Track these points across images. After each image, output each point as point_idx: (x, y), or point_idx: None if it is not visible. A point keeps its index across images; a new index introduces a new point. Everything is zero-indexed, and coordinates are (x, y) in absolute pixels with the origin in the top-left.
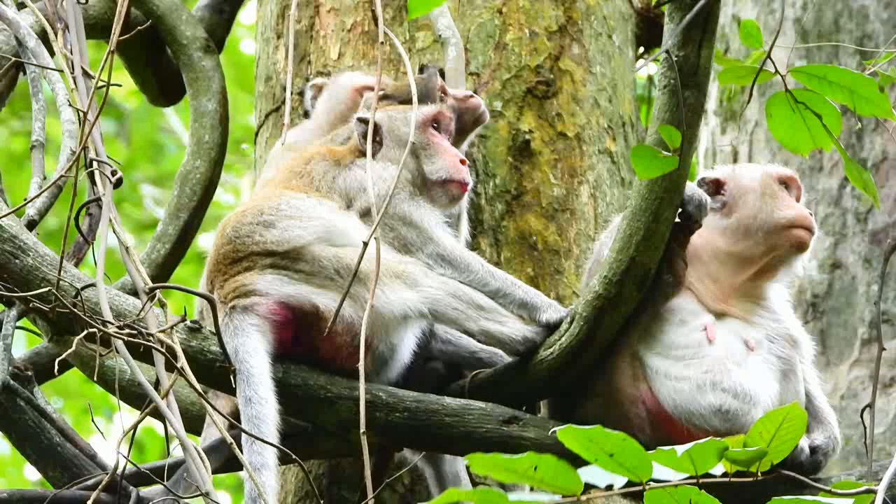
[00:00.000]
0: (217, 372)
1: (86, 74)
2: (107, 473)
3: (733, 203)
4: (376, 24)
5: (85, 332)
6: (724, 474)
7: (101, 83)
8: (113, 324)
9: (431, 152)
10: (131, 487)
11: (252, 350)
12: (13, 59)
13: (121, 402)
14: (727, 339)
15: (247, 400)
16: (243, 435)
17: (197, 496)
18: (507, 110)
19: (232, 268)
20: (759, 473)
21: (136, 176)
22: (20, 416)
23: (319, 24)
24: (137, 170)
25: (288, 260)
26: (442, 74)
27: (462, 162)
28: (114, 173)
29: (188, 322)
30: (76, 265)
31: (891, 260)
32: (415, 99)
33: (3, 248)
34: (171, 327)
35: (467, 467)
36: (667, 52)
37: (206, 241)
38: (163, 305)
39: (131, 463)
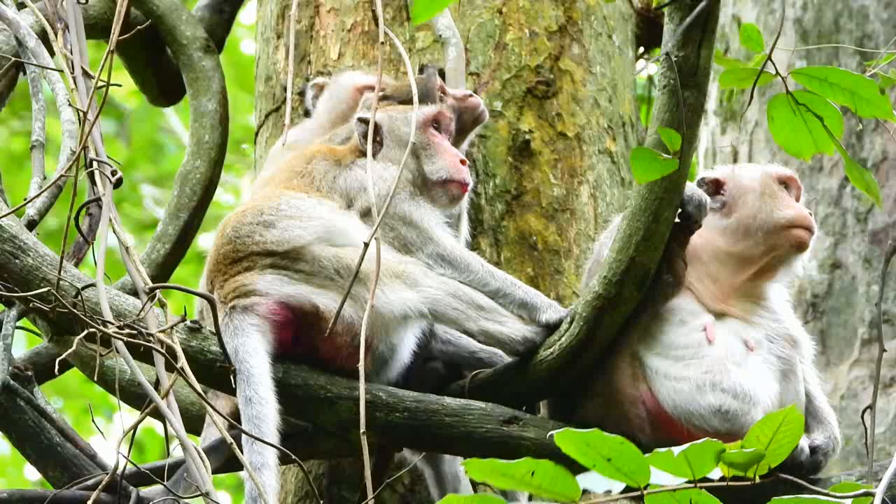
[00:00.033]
0: (217, 372)
1: (86, 74)
2: (107, 473)
3: (733, 203)
4: (376, 24)
5: (85, 332)
6: (722, 478)
7: (101, 83)
8: (113, 324)
9: (432, 152)
10: (131, 487)
11: (252, 350)
12: (13, 59)
13: (121, 402)
14: (727, 339)
15: (247, 400)
16: (243, 435)
17: (197, 496)
18: (507, 110)
19: (232, 268)
20: (757, 477)
21: (136, 176)
22: (20, 416)
23: (319, 24)
24: (137, 170)
25: (288, 260)
26: (442, 74)
27: (462, 162)
28: (114, 173)
29: (188, 322)
30: (76, 265)
31: (891, 260)
32: (415, 99)
33: (3, 248)
34: (171, 327)
35: None
36: (667, 52)
37: (206, 241)
38: (163, 305)
39: (131, 463)
